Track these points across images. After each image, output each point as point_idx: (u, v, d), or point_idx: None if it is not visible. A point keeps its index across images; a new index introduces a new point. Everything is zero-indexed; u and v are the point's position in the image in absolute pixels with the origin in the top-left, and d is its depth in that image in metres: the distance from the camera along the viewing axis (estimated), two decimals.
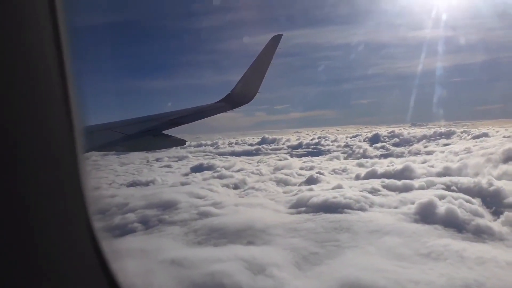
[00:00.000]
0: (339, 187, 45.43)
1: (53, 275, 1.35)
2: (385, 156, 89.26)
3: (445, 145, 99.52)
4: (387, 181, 47.31)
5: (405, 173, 52.35)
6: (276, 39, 9.32)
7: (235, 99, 8.98)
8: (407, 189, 43.90)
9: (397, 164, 64.38)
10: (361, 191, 43.53)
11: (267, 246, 28.11)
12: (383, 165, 65.76)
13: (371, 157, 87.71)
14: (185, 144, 7.23)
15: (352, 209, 36.17)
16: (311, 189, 46.12)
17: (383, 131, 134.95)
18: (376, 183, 47.14)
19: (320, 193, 42.61)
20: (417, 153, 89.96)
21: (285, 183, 57.05)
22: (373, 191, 43.43)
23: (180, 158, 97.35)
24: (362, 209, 36.32)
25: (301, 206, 39.18)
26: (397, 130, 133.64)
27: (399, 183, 45.96)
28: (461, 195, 38.29)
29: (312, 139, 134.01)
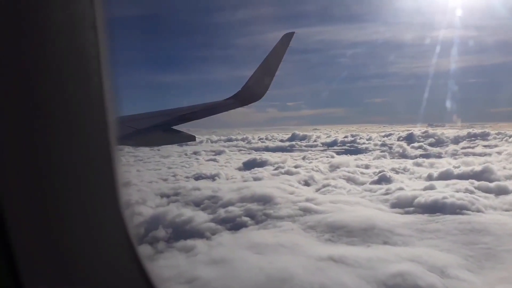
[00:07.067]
0: (431, 187, 44.48)
1: (84, 271, 1.36)
2: (424, 156, 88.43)
3: (485, 146, 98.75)
4: (476, 182, 46.26)
5: (485, 174, 51.29)
6: (287, 37, 9.15)
7: (244, 97, 9.13)
8: (503, 191, 42.82)
9: (457, 164, 63.51)
10: (456, 191, 42.54)
11: (414, 247, 27.29)
12: (443, 165, 65.01)
13: (411, 157, 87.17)
14: (195, 140, 7.23)
15: (471, 210, 35.26)
16: (401, 189, 45.23)
17: (416, 130, 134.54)
18: (465, 184, 46.08)
19: (418, 193, 41.72)
20: (454, 154, 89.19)
21: (353, 181, 56.30)
22: (469, 193, 42.41)
23: (218, 153, 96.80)
24: (479, 211, 35.39)
25: (407, 206, 38.25)
26: (430, 130, 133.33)
27: (491, 185, 44.93)
28: None
29: (345, 137, 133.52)
